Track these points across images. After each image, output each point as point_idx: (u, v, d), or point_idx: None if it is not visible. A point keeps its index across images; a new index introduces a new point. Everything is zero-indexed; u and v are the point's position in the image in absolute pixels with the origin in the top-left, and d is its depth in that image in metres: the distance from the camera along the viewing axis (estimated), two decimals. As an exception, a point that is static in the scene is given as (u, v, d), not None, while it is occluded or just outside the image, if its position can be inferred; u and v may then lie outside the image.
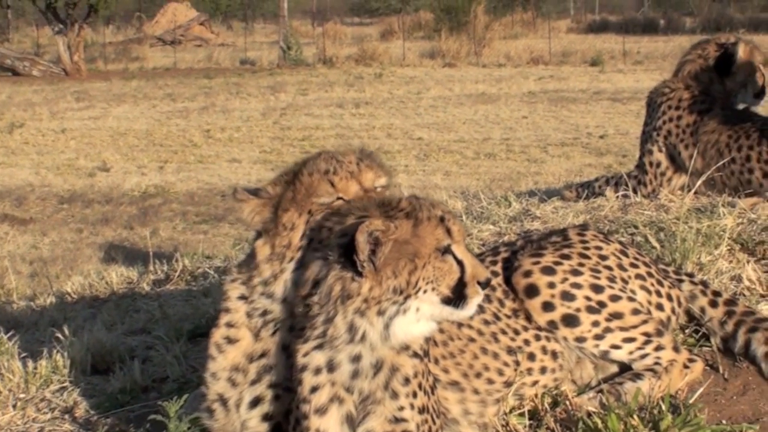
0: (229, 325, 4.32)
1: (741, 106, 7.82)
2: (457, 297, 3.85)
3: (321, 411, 3.97)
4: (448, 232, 3.86)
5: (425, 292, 3.81)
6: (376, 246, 3.74)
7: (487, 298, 4.64)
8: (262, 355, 4.28)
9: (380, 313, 3.80)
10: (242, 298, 4.33)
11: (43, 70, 46.59)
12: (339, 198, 4.18)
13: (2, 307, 9.10)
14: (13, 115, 33.36)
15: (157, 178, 22.83)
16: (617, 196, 7.79)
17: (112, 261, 14.72)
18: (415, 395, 3.99)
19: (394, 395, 3.96)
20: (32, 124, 31.35)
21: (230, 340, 4.31)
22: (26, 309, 8.56)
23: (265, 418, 4.30)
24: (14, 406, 5.55)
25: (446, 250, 3.85)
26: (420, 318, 3.85)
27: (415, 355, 3.99)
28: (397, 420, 3.97)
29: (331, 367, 3.94)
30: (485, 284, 3.92)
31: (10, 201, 21.09)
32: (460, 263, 3.88)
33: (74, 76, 45.31)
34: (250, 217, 4.31)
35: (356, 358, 3.91)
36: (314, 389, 3.97)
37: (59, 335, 6.36)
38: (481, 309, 4.56)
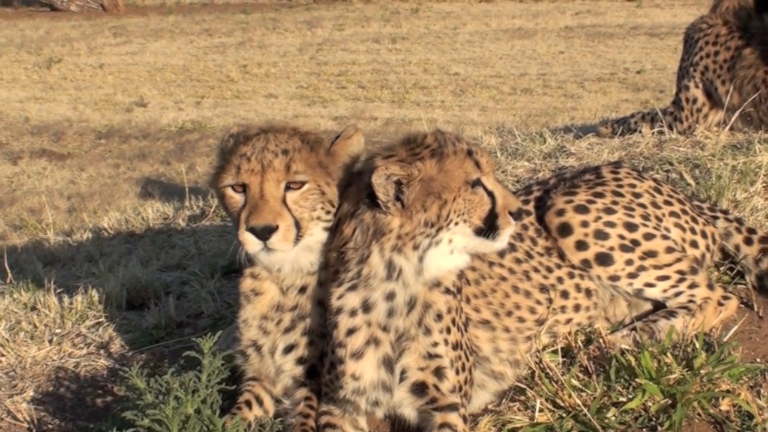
0: (253, 276, 4.35)
1: (779, 42, 7.71)
2: (488, 228, 3.88)
3: (357, 355, 4.00)
4: (477, 164, 3.89)
5: (457, 224, 3.84)
6: (400, 186, 3.78)
7: (519, 237, 4.65)
8: (295, 307, 4.30)
9: (415, 247, 3.84)
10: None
11: (81, 5, 46.49)
12: None
13: (39, 242, 9.17)
14: (51, 50, 33.41)
15: (194, 114, 22.85)
16: (653, 133, 7.74)
17: (148, 196, 14.78)
18: (448, 331, 4.01)
19: (428, 331, 3.98)
20: (70, 60, 31.41)
21: (256, 293, 4.35)
22: (63, 244, 8.62)
23: (300, 361, 4.34)
24: (50, 341, 5.61)
25: (476, 183, 3.88)
26: (453, 249, 3.89)
27: (448, 291, 4.01)
28: (431, 356, 3.99)
29: (367, 307, 3.96)
30: (517, 215, 3.97)
31: (48, 136, 21.17)
32: (490, 194, 3.91)
33: (112, 11, 45.25)
34: None
35: (390, 296, 3.93)
36: (350, 332, 4.00)
37: (95, 271, 6.41)
38: (512, 247, 4.57)
